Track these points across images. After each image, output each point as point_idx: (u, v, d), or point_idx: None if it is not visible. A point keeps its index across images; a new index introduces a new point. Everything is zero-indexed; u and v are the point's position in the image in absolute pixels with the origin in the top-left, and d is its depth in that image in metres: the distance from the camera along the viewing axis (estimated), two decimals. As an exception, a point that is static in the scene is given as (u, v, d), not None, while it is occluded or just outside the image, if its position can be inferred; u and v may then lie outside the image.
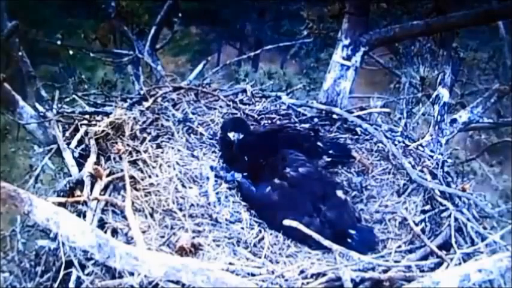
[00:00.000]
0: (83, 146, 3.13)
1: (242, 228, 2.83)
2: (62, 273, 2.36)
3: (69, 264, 2.35)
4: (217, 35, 12.39)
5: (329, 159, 3.42)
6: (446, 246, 2.72)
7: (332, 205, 2.97)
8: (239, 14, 12.36)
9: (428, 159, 3.44)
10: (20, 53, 3.44)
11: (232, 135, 3.27)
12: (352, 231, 2.86)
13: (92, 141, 3.09)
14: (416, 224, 2.91)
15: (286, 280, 2.33)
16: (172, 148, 3.33)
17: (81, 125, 3.29)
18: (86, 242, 2.05)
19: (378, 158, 3.54)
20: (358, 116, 3.81)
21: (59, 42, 5.56)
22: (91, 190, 2.72)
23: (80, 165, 2.97)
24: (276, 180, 3.05)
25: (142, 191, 2.90)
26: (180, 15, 5.59)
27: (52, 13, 8.90)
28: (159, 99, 3.76)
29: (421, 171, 3.33)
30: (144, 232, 2.56)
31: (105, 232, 2.48)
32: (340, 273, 2.30)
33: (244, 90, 4.05)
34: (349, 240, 2.81)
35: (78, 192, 2.77)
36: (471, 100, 4.69)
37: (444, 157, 3.45)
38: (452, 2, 3.93)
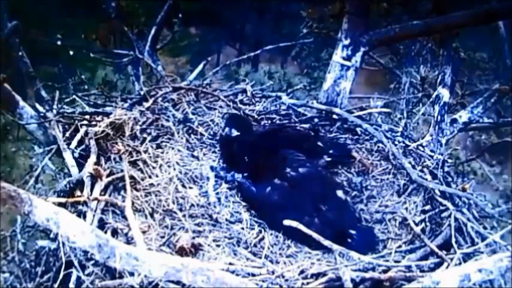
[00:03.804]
0: (83, 146, 3.13)
1: (242, 228, 2.83)
2: (62, 273, 2.36)
3: (70, 264, 2.35)
4: (217, 36, 12.38)
5: (329, 159, 3.42)
6: (446, 246, 2.71)
7: (332, 205, 2.97)
8: (239, 14, 12.36)
9: (429, 159, 3.44)
10: (20, 53, 3.44)
11: (227, 130, 3.29)
12: (352, 231, 2.86)
13: (92, 142, 3.09)
14: (417, 224, 2.91)
15: (286, 280, 2.33)
16: (173, 148, 3.33)
17: (81, 125, 3.29)
18: (86, 242, 2.05)
19: (378, 158, 3.54)
20: (358, 116, 3.81)
21: (59, 42, 5.55)
22: (91, 190, 2.72)
23: (80, 166, 2.97)
24: (276, 181, 3.05)
25: (143, 191, 2.90)
26: (180, 15, 5.58)
27: (52, 13, 8.89)
28: (159, 100, 3.76)
29: (421, 171, 3.33)
30: (144, 232, 2.57)
31: (105, 232, 2.48)
32: (340, 273, 2.31)
33: (244, 91, 4.06)
34: (349, 240, 2.81)
35: (78, 193, 2.77)
36: (471, 100, 4.68)
37: (444, 157, 3.45)
38: (452, 2, 3.93)
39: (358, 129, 3.76)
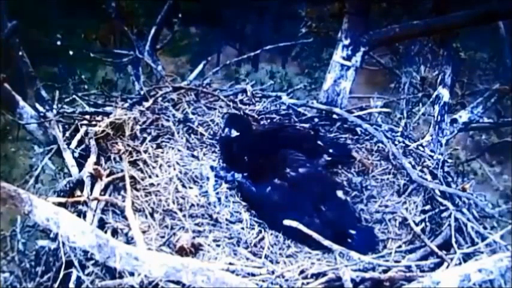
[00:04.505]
0: (83, 146, 3.13)
1: (242, 228, 2.83)
2: (62, 273, 2.36)
3: (70, 264, 2.35)
4: (217, 36, 12.39)
5: (329, 159, 3.42)
6: (446, 246, 2.71)
7: (332, 205, 2.97)
8: (239, 14, 12.36)
9: (429, 159, 3.44)
10: (20, 53, 3.44)
11: (227, 130, 3.29)
12: (352, 231, 2.87)
13: (92, 142, 3.09)
14: (417, 224, 2.91)
15: (286, 280, 2.33)
16: (173, 148, 3.33)
17: (81, 125, 3.29)
18: (86, 242, 2.05)
19: (378, 158, 3.55)
20: (358, 116, 3.81)
21: (59, 42, 5.56)
22: (91, 190, 2.72)
23: (80, 166, 2.97)
24: (276, 181, 3.05)
25: (143, 191, 2.90)
26: (180, 15, 5.59)
27: (52, 13, 8.90)
28: (159, 100, 3.77)
29: (421, 171, 3.33)
30: (144, 232, 2.57)
31: (105, 232, 2.48)
32: (340, 273, 2.31)
33: (244, 90, 4.06)
34: (349, 240, 2.81)
35: (78, 193, 2.78)
36: (471, 100, 4.68)
37: (444, 157, 3.45)
38: (452, 2, 3.93)
39: (358, 129, 3.76)
